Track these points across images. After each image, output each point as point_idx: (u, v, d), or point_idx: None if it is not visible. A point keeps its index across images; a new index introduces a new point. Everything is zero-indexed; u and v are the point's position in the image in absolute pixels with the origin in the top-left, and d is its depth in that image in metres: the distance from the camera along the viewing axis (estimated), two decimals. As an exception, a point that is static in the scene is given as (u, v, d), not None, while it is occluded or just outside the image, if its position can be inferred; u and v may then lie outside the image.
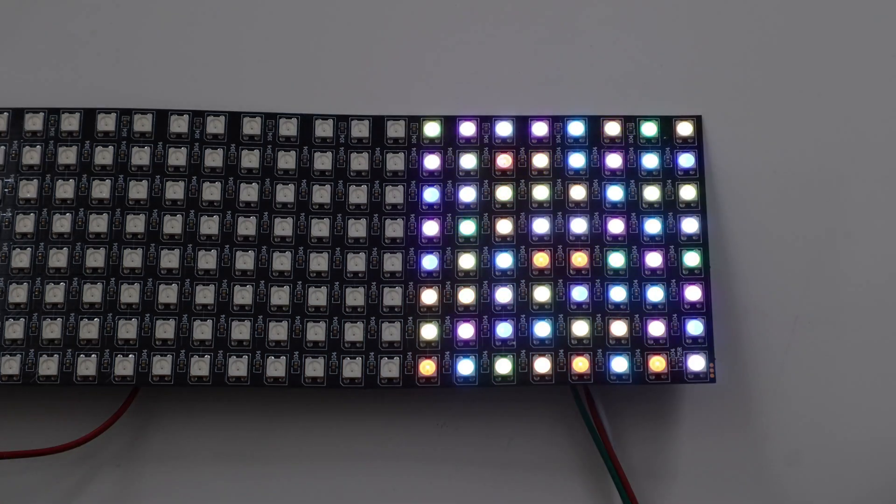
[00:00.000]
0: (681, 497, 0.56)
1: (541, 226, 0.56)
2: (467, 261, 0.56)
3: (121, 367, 0.54)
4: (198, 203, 0.56)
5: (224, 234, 0.56)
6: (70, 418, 0.56)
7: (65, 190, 0.56)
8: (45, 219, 0.56)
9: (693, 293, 0.56)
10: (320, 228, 0.56)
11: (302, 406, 0.56)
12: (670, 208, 0.57)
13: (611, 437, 0.56)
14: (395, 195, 0.57)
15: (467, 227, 0.57)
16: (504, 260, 0.56)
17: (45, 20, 0.61)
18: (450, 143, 0.57)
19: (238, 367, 0.55)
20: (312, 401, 0.56)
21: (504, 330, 0.55)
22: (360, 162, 0.57)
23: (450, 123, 0.58)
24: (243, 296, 0.55)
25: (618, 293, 0.56)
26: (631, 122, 0.58)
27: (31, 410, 0.56)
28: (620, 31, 0.61)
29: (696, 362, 0.55)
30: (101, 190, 0.56)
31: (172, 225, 0.56)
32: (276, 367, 0.55)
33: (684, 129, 0.58)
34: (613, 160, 0.57)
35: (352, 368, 0.55)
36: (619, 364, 0.55)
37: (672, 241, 0.56)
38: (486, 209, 0.57)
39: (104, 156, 0.57)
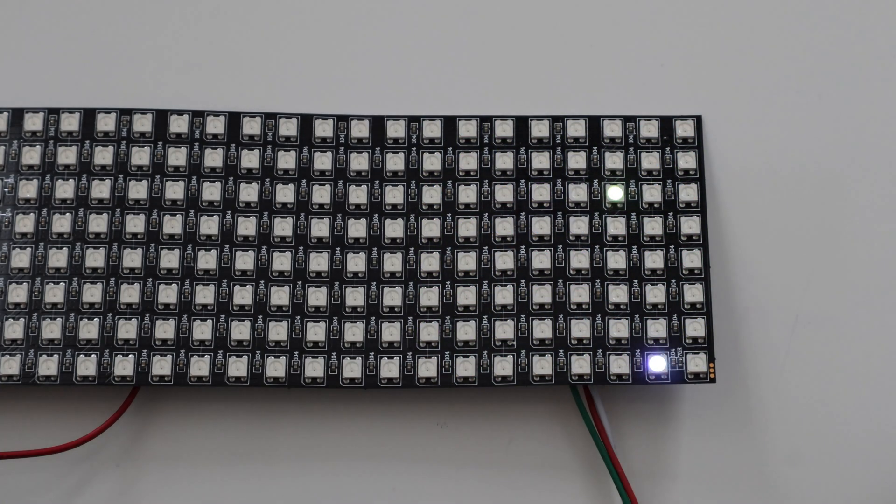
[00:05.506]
0: (681, 497, 0.56)
1: (541, 226, 0.56)
2: (467, 261, 0.56)
3: (121, 367, 0.54)
4: (198, 203, 0.56)
5: (224, 234, 0.56)
6: (70, 418, 0.56)
7: (65, 190, 0.56)
8: (44, 219, 0.56)
9: (693, 293, 0.56)
10: (320, 228, 0.56)
11: (302, 406, 0.56)
12: (670, 208, 0.57)
13: (611, 437, 0.56)
14: (395, 195, 0.57)
15: (467, 227, 0.57)
16: (504, 260, 0.56)
17: (45, 20, 0.61)
18: (450, 143, 0.57)
19: (238, 367, 0.55)
20: (312, 401, 0.56)
21: (504, 330, 0.55)
22: (360, 162, 0.57)
23: (450, 123, 0.58)
24: (243, 296, 0.55)
25: (618, 293, 0.56)
26: (631, 122, 0.58)
27: (31, 410, 0.56)
28: (620, 31, 0.61)
29: (696, 362, 0.55)
30: (101, 190, 0.56)
31: (172, 225, 0.56)
32: (275, 367, 0.55)
33: (684, 129, 0.58)
34: (613, 160, 0.57)
35: (352, 368, 0.55)
36: (619, 364, 0.55)
37: (672, 241, 0.56)
38: (486, 209, 0.57)
39: (104, 156, 0.57)
